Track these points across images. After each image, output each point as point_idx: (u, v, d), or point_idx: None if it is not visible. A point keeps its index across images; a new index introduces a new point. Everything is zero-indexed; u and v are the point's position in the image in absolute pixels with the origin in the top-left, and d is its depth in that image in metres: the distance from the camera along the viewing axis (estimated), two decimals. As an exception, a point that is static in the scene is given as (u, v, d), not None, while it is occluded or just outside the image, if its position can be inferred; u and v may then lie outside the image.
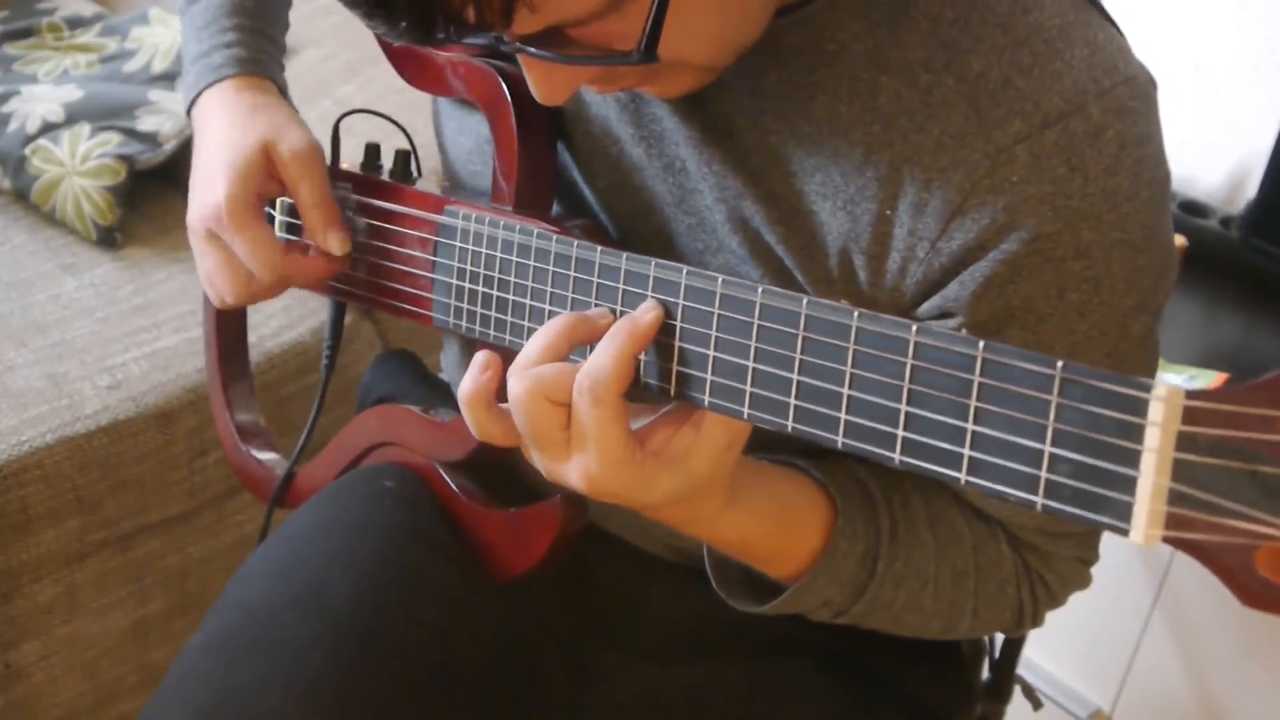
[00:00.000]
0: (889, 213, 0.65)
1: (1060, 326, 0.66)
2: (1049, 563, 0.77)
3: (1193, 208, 1.41)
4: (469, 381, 0.63)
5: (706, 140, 0.70)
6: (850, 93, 0.65)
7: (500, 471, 0.85)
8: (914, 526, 0.73)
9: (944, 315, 0.67)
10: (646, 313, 0.60)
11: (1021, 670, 1.07)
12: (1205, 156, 1.43)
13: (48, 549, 1.30)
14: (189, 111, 0.88)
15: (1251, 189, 1.38)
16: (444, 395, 0.96)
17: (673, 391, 0.61)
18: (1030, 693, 1.07)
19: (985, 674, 1.04)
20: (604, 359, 0.59)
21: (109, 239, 1.54)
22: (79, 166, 1.55)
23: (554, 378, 0.60)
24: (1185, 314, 1.34)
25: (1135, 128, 0.63)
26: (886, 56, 0.64)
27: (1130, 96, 0.63)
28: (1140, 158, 0.63)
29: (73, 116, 1.59)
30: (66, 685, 1.38)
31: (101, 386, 1.34)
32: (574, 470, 0.61)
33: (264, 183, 0.81)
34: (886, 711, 0.86)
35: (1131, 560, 1.42)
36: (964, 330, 0.67)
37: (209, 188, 0.81)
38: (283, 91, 0.89)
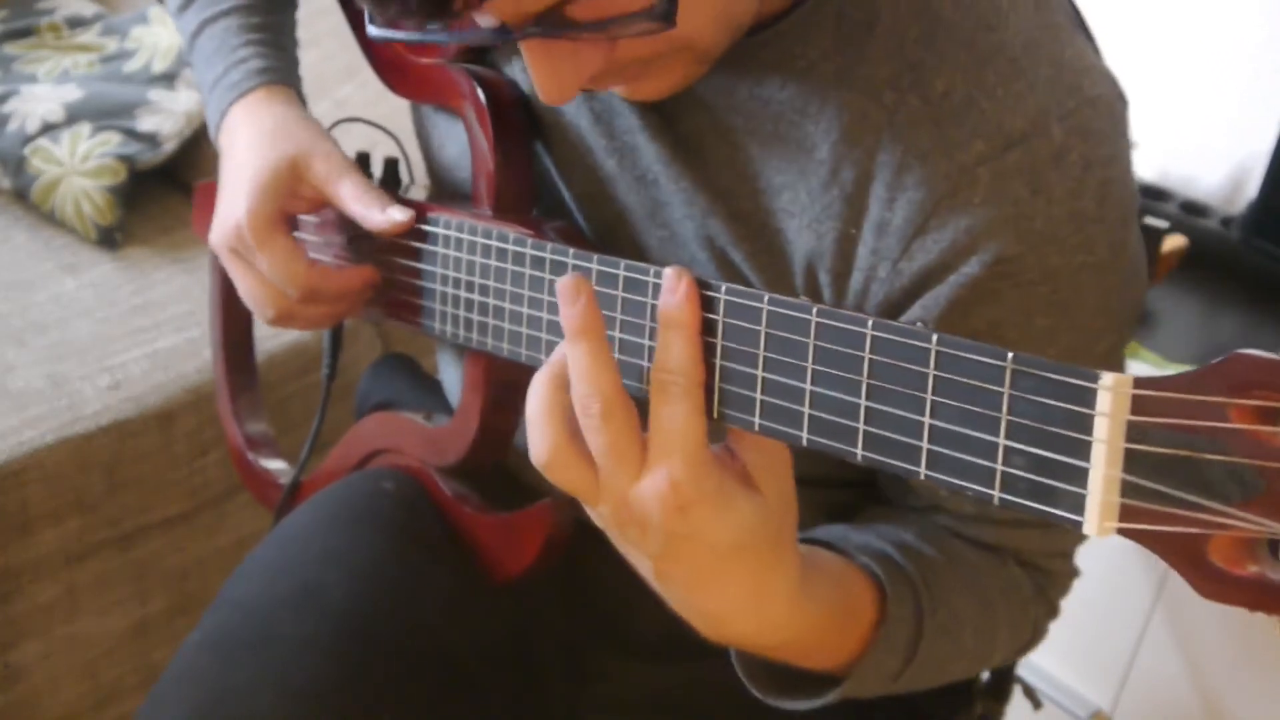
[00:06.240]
0: (853, 231, 0.65)
1: (1029, 351, 0.65)
2: (1053, 579, 0.76)
3: (1193, 208, 1.41)
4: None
5: (676, 157, 0.69)
6: (818, 111, 0.65)
7: (498, 475, 0.85)
8: (937, 570, 0.71)
9: None
10: (677, 286, 0.55)
11: (1021, 670, 1.06)
12: (1205, 156, 1.43)
13: (48, 549, 1.30)
14: (216, 140, 0.85)
15: (1251, 189, 1.38)
16: (441, 398, 0.96)
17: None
18: (1030, 693, 1.07)
19: (985, 674, 1.03)
20: (676, 350, 0.54)
21: (109, 239, 1.54)
22: (79, 166, 1.55)
23: (611, 388, 0.55)
24: (1185, 314, 1.34)
25: (1100, 149, 0.62)
26: (853, 74, 0.64)
27: (1094, 118, 0.62)
28: (1106, 179, 0.62)
29: (72, 116, 1.59)
30: (66, 685, 1.38)
31: (101, 386, 1.34)
32: (654, 484, 0.54)
33: (289, 199, 0.79)
34: (885, 711, 0.85)
35: (1131, 560, 1.41)
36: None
37: (231, 205, 0.79)
38: (302, 100, 0.86)
